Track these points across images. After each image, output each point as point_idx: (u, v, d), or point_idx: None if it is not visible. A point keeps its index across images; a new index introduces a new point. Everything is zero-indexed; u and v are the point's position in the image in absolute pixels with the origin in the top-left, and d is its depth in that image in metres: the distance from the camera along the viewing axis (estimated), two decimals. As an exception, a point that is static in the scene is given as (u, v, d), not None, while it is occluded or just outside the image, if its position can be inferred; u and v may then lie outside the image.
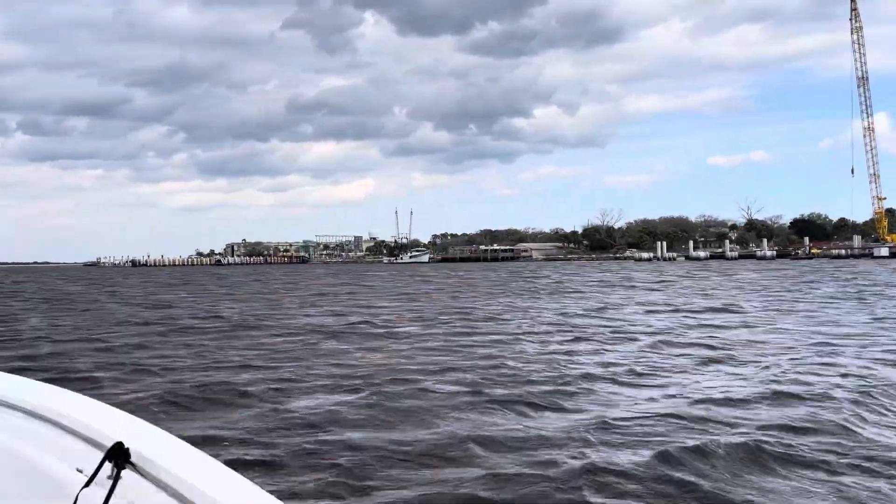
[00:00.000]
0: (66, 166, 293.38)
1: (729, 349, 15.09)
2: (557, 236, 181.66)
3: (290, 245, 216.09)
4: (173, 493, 1.89)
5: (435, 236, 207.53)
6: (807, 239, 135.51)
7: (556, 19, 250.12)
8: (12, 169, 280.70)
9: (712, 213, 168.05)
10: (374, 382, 11.49)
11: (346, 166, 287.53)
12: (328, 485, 6.51)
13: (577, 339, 17.19)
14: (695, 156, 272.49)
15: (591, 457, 7.13)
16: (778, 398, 9.87)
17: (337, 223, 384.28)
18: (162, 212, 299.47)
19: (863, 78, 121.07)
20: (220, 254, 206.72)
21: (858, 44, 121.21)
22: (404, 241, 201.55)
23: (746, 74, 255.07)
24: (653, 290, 40.25)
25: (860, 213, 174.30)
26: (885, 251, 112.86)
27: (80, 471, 2.05)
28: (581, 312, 25.19)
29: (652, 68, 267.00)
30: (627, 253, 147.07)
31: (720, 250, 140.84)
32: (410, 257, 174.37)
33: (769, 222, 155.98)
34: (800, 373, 11.86)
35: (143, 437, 2.10)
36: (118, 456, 1.98)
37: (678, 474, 6.54)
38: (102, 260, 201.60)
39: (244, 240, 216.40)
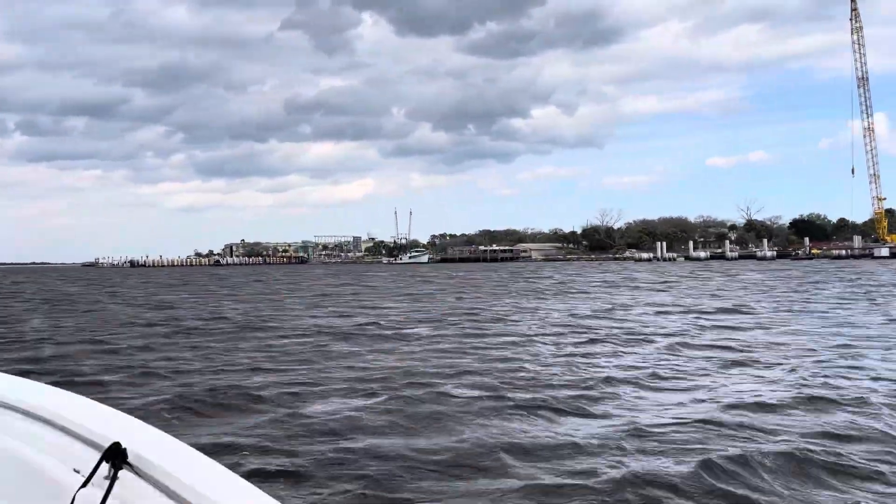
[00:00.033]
0: (65, 167, 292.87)
1: (749, 351, 14.76)
2: (556, 237, 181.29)
3: (289, 245, 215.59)
4: (171, 494, 1.88)
5: (434, 237, 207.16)
6: (807, 239, 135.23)
7: (555, 20, 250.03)
8: (10, 169, 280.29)
9: (711, 213, 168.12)
10: (391, 386, 11.16)
11: (345, 167, 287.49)
12: (358, 497, 6.17)
13: (592, 341, 16.86)
14: (693, 156, 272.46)
15: (631, 465, 6.81)
16: (812, 403, 9.56)
17: (336, 224, 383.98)
18: (160, 212, 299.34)
19: (863, 78, 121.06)
20: (218, 254, 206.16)
21: (858, 44, 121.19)
22: (403, 241, 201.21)
23: (745, 75, 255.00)
24: (658, 290, 39.93)
25: (860, 213, 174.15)
26: (885, 251, 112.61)
27: (78, 471, 2.05)
28: (590, 313, 24.87)
29: (650, 69, 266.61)
30: (627, 253, 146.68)
31: (720, 251, 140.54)
32: (410, 258, 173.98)
33: (769, 223, 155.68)
34: (828, 376, 11.54)
35: (140, 437, 2.09)
36: (115, 456, 1.97)
37: (727, 486, 6.21)
38: (101, 260, 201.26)
39: (243, 240, 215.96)
